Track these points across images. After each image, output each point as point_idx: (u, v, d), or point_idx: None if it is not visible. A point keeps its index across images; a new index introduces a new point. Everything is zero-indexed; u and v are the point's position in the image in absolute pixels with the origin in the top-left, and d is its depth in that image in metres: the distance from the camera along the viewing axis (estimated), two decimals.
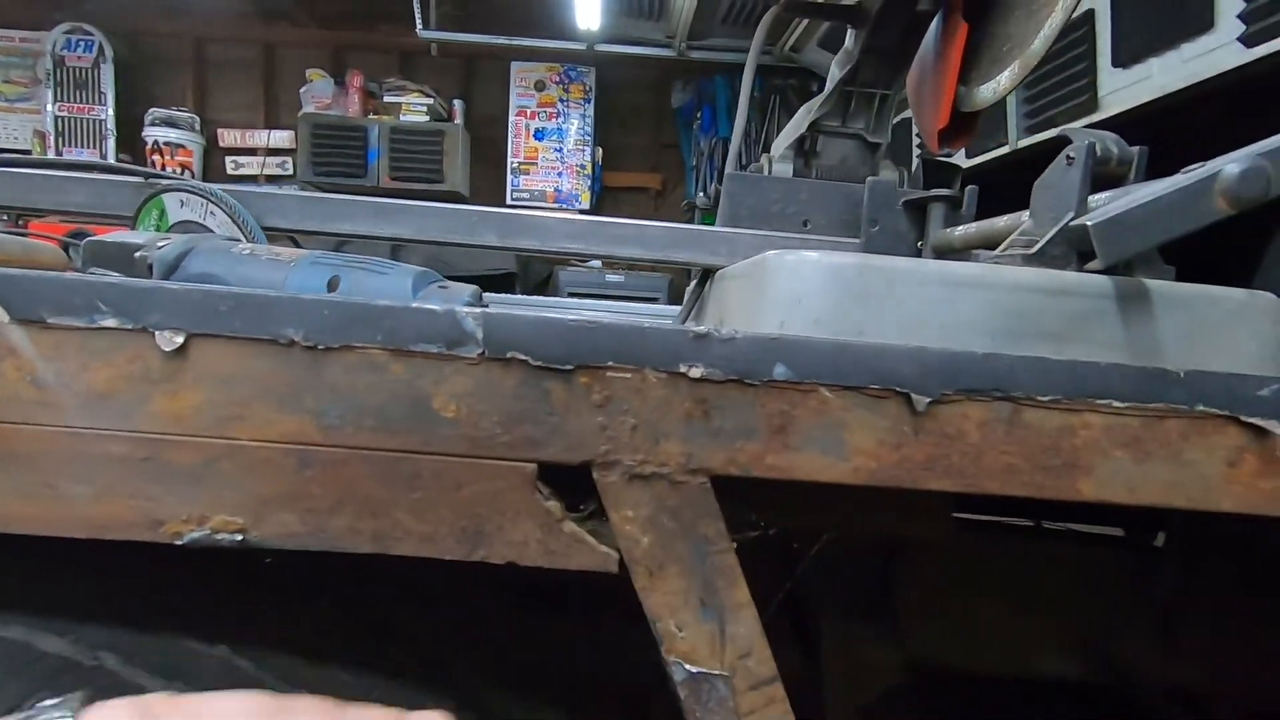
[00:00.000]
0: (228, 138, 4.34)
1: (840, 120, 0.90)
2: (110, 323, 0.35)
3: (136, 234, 0.67)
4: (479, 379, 0.36)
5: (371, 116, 4.24)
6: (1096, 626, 0.86)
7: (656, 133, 4.75)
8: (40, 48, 4.01)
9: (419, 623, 0.67)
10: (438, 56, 4.45)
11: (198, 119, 4.20)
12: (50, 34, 3.96)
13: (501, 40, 4.20)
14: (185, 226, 0.77)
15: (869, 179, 0.75)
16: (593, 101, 4.51)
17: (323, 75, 4.28)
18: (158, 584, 0.48)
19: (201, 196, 0.75)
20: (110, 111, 4.00)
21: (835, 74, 0.89)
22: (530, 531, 0.37)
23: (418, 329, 0.36)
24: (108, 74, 4.01)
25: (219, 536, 0.37)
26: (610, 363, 0.36)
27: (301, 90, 4.26)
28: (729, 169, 0.90)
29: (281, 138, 4.36)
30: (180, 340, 0.35)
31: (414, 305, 0.36)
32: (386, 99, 4.28)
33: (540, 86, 4.45)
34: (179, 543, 0.37)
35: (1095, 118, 1.53)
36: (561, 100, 4.46)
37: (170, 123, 4.04)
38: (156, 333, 0.35)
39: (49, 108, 3.96)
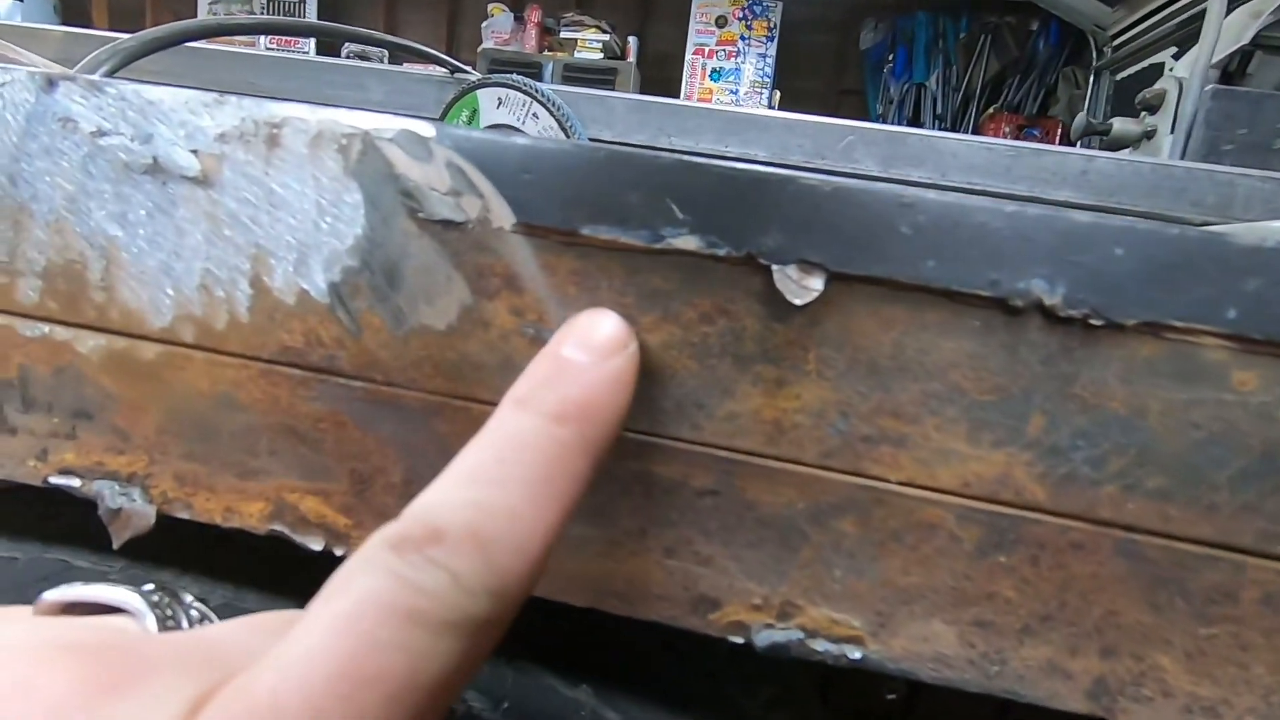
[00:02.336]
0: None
1: None
2: (693, 244, 0.20)
3: None
4: None
5: (547, 53, 4.16)
6: None
7: (837, 77, 4.37)
8: None
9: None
10: None
11: (386, 54, 4.28)
12: None
13: None
14: (499, 130, 0.64)
15: None
16: (775, 40, 4.17)
17: (503, 10, 4.25)
18: None
19: (526, 95, 0.61)
20: (312, 44, 4.17)
21: None
22: None
23: None
24: (311, 6, 4.17)
25: (820, 645, 0.21)
26: None
27: (483, 25, 4.25)
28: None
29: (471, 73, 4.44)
30: (819, 285, 0.20)
31: None
32: (563, 35, 4.19)
33: (722, 22, 4.17)
34: (738, 640, 0.22)
35: None
36: (743, 38, 4.17)
37: (363, 57, 4.16)
38: (776, 269, 0.20)
39: (261, 40, 4.18)
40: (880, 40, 4.23)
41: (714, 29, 4.21)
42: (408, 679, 0.15)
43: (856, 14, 4.19)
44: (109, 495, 0.26)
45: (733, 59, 4.26)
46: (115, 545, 0.26)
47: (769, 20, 4.17)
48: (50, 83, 0.24)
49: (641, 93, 4.25)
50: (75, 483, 0.26)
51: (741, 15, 4.17)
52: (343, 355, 0.24)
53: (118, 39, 0.42)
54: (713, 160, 0.21)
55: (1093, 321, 0.19)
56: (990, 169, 0.58)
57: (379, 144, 0.22)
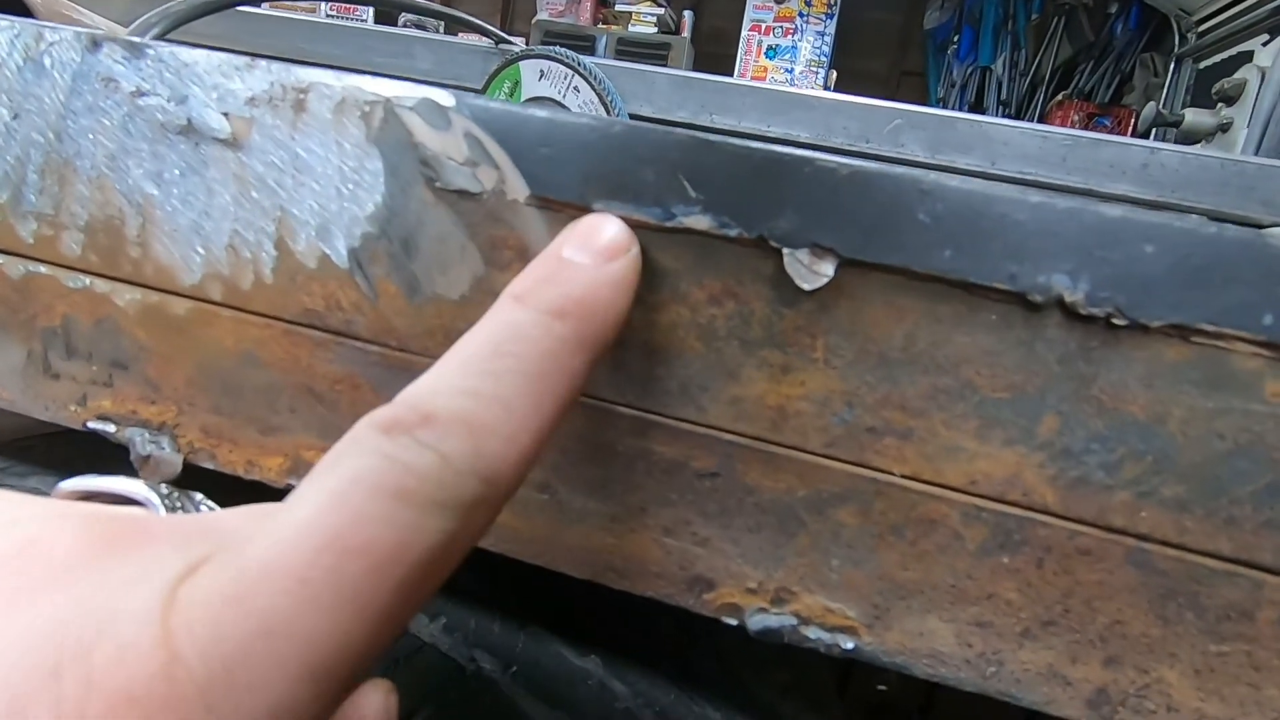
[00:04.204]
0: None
1: None
2: (705, 223, 0.20)
3: None
4: None
5: (601, 26, 4.12)
6: None
7: (898, 57, 4.23)
8: None
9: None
10: None
11: (442, 25, 4.30)
12: None
13: None
14: (539, 102, 0.64)
15: None
16: (835, 17, 4.05)
17: None
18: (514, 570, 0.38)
19: (568, 68, 0.60)
20: (370, 11, 4.20)
21: None
22: None
23: None
24: None
25: (812, 633, 0.21)
26: None
27: None
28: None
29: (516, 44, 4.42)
30: (829, 271, 0.19)
31: None
32: (618, 8, 4.15)
33: None
34: (731, 622, 0.22)
35: None
36: (801, 15, 4.06)
37: (420, 27, 4.19)
38: (787, 252, 0.19)
39: (322, 5, 4.23)
40: (946, 20, 4.07)
41: (772, 4, 4.11)
42: (394, 553, 0.15)
43: None
44: (140, 442, 0.27)
45: (790, 36, 4.16)
46: None
47: None
48: (95, 43, 0.25)
49: (695, 69, 4.19)
50: (110, 428, 0.27)
51: None
52: (360, 320, 0.24)
53: (173, 1, 0.43)
54: (729, 137, 0.20)
55: (1116, 321, 0.18)
56: (1044, 158, 0.55)
57: (399, 112, 0.23)
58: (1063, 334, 0.19)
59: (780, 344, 0.21)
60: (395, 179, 0.23)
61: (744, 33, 4.12)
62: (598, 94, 0.61)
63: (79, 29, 0.25)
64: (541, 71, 0.65)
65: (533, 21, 4.21)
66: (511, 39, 0.70)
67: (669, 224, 0.21)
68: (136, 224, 0.26)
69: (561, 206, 0.22)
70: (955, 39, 3.95)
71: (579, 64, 0.62)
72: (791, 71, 4.10)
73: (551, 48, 0.61)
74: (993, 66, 3.84)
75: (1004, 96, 3.80)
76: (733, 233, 0.20)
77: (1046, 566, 0.20)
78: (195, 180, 0.25)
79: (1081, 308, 0.18)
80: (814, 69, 4.08)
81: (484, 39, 0.69)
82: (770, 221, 0.20)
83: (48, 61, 0.25)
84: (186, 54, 0.24)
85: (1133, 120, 3.38)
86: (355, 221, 0.24)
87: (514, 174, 0.22)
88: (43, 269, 0.27)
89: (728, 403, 0.21)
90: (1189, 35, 2.74)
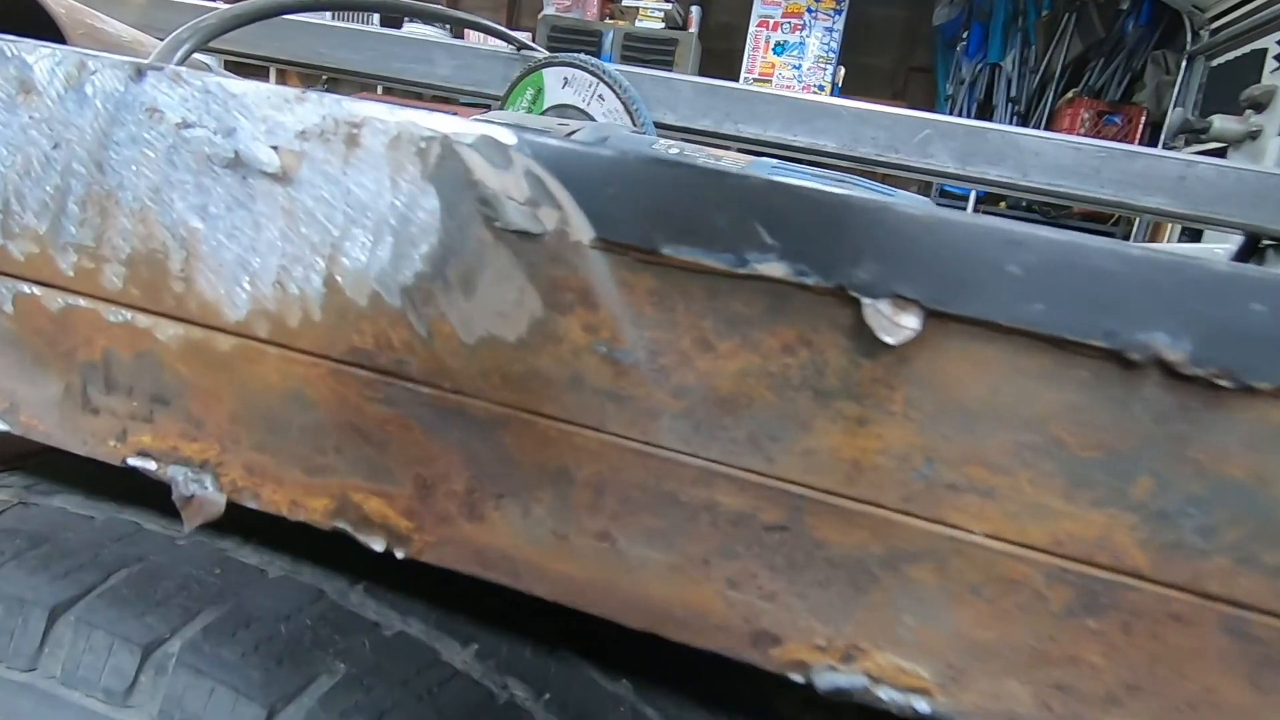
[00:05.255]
0: (471, 39, 4.42)
1: None
2: (779, 270, 0.19)
3: (501, 116, 0.53)
4: None
5: (608, 20, 4.09)
6: None
7: (906, 54, 4.20)
8: None
9: None
10: None
11: (448, 28, 4.28)
12: None
13: None
14: (562, 111, 0.63)
15: None
16: (844, 13, 4.03)
17: None
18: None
19: (593, 75, 0.59)
20: (376, 17, 4.18)
21: None
22: None
23: None
24: None
25: (884, 693, 0.20)
26: None
27: None
28: None
29: (538, 51, 4.41)
30: (914, 324, 0.18)
31: None
32: (625, 3, 4.11)
33: None
34: (798, 679, 0.21)
35: None
36: (810, 10, 4.03)
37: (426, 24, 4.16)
38: (866, 302, 0.18)
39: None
40: (955, 16, 4.04)
41: (780, 1, 4.08)
42: None
43: None
44: (182, 481, 0.26)
45: (798, 32, 4.13)
46: (186, 529, 0.27)
47: None
48: (139, 72, 0.24)
49: (702, 65, 4.16)
50: (151, 465, 0.27)
51: None
52: (412, 360, 0.23)
53: (198, 7, 0.42)
54: (803, 183, 0.19)
55: (1220, 382, 0.17)
56: (1076, 170, 0.54)
57: (458, 149, 0.22)
58: (1161, 393, 0.18)
59: (857, 395, 0.20)
60: (452, 217, 0.22)
61: (752, 28, 4.10)
62: (623, 102, 0.60)
63: (123, 58, 0.24)
64: (565, 79, 0.64)
65: (539, 17, 4.19)
66: (534, 46, 0.69)
67: (741, 270, 0.20)
68: (180, 258, 0.25)
69: (626, 249, 0.21)
70: (964, 35, 3.92)
71: (604, 72, 0.61)
72: (799, 68, 4.07)
73: (575, 55, 0.60)
74: (1002, 63, 3.81)
75: (1013, 94, 3.77)
76: (809, 281, 0.20)
77: (1135, 631, 0.19)
78: (242, 214, 0.24)
79: (1183, 368, 0.18)
80: (822, 65, 4.06)
81: (504, 44, 0.68)
82: (849, 270, 0.19)
83: (90, 90, 0.24)
84: (235, 85, 0.23)
85: (1142, 118, 3.36)
86: (409, 260, 0.23)
87: (578, 215, 0.21)
88: (83, 302, 0.26)
89: (799, 454, 0.21)
90: (1201, 32, 2.71)
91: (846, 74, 4.16)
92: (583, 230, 0.21)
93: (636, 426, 0.21)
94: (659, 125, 0.63)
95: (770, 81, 4.12)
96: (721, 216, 0.20)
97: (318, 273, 0.24)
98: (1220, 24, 2.51)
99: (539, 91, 0.64)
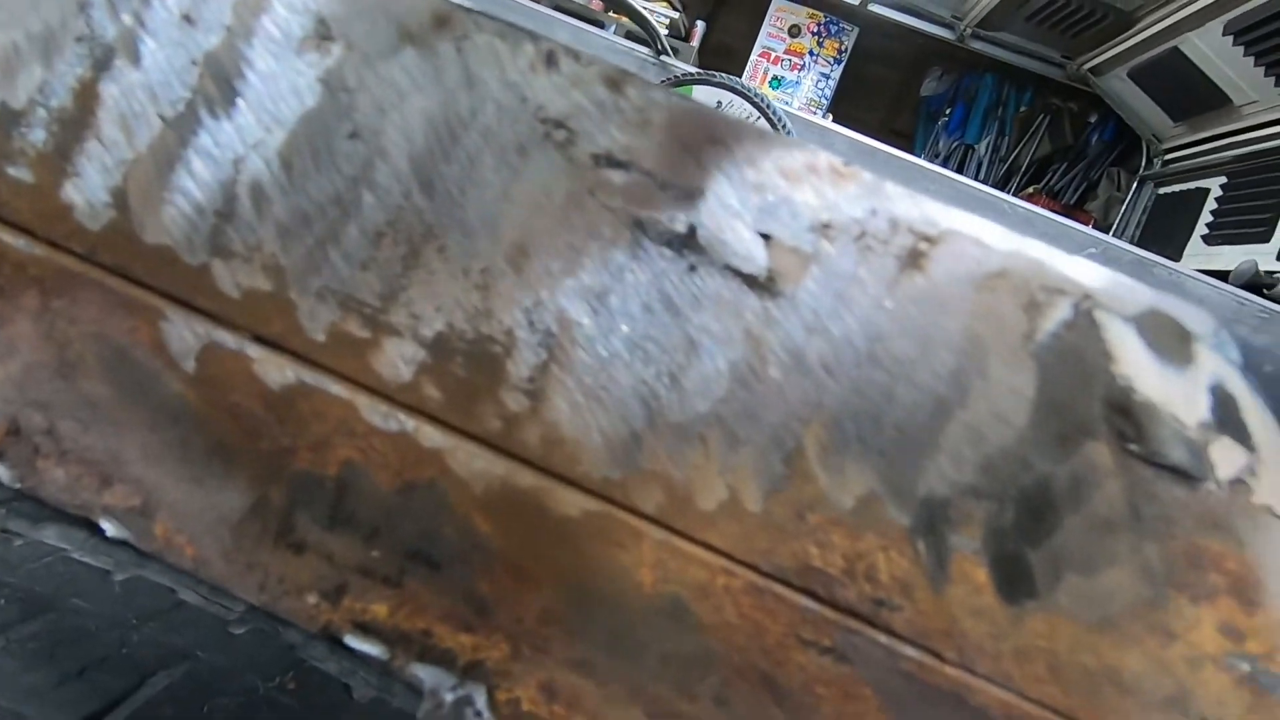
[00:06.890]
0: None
1: None
2: None
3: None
4: None
5: (611, 15, 3.99)
6: None
7: (890, 114, 4.31)
8: None
9: None
10: None
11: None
12: None
13: None
14: None
15: None
16: (844, 64, 4.10)
17: None
18: None
19: (753, 104, 0.52)
20: None
21: None
22: None
23: None
24: None
25: None
26: None
27: None
28: None
29: (678, 65, 4.28)
30: None
31: None
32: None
33: (795, 32, 4.06)
34: None
35: None
36: (811, 54, 4.07)
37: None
38: None
39: None
40: (942, 91, 4.20)
41: (786, 36, 4.11)
42: None
43: (927, 59, 4.14)
44: (438, 690, 0.17)
45: (796, 71, 4.17)
46: None
47: (841, 43, 4.09)
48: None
49: None
50: (376, 651, 0.17)
51: (816, 30, 4.08)
52: (904, 606, 0.15)
53: None
54: None
55: None
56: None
57: (1102, 318, 0.14)
58: None
59: None
60: (1053, 415, 0.14)
61: (753, 56, 4.09)
62: (774, 129, 0.53)
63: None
64: (719, 102, 0.55)
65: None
66: (683, 64, 0.60)
67: None
68: (534, 359, 0.15)
69: None
70: (948, 111, 4.06)
71: (765, 102, 0.53)
72: (789, 104, 4.10)
73: (735, 78, 0.52)
74: (976, 146, 3.97)
75: (981, 176, 3.94)
76: None
77: None
78: (666, 322, 0.15)
79: None
80: (813, 108, 4.10)
81: (642, 46, 0.59)
82: None
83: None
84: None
85: (1090, 225, 3.58)
86: (951, 456, 0.15)
87: (1277, 465, 0.14)
88: (331, 385, 0.16)
89: None
90: (1155, 160, 2.90)
91: (833, 122, 4.23)
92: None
93: None
94: None
95: None
96: None
97: (778, 441, 0.15)
98: (1173, 156, 2.69)
99: None
